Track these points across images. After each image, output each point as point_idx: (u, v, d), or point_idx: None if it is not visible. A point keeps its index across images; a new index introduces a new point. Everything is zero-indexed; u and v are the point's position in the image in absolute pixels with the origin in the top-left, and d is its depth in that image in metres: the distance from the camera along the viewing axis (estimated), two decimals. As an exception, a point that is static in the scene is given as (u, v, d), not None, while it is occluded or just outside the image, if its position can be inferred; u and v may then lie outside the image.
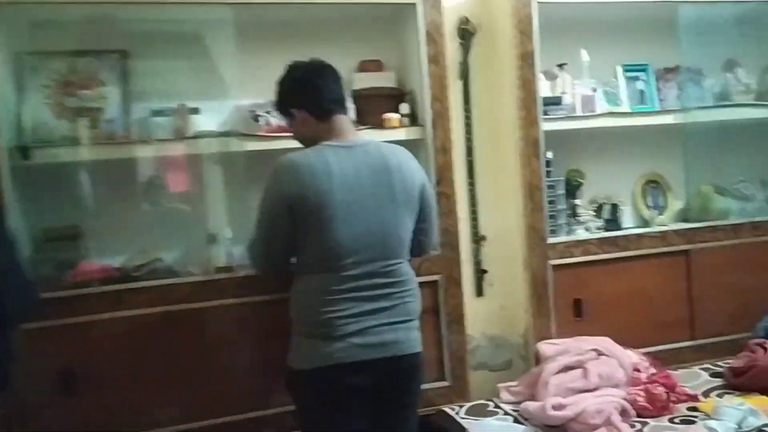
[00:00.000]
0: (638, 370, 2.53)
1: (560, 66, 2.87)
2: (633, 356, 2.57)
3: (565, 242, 2.73)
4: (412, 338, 2.03)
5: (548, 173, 2.72)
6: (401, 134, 2.55)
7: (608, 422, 2.24)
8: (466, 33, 2.75)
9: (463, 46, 2.76)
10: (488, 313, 2.86)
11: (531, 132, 2.66)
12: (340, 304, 1.92)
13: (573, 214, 2.91)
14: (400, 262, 2.02)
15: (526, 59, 2.64)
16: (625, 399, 2.37)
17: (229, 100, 2.61)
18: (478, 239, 2.82)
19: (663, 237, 2.84)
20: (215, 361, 2.36)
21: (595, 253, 2.76)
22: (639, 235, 2.83)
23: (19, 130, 2.35)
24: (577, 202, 2.93)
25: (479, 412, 2.50)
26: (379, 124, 2.55)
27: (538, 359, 2.65)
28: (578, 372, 2.43)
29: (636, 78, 3.09)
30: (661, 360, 2.68)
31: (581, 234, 2.84)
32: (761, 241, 2.95)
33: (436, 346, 2.56)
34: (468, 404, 2.57)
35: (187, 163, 2.55)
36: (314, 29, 2.60)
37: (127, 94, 2.48)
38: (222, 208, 2.60)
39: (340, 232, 1.91)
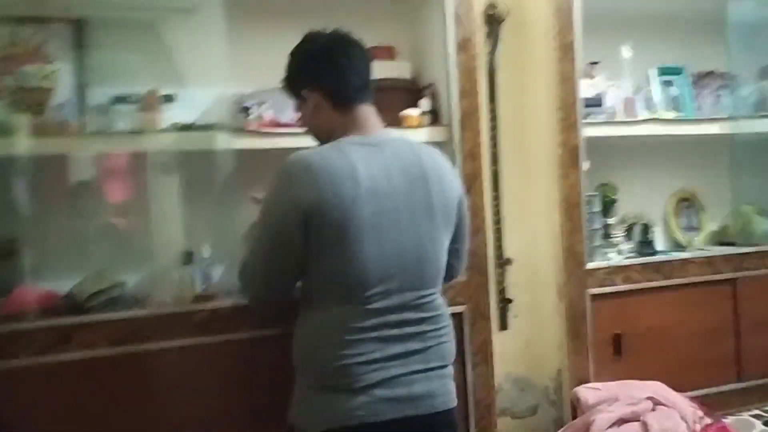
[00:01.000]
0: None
1: (592, 64, 2.48)
2: (688, 404, 2.18)
3: (605, 268, 2.33)
4: (449, 389, 1.61)
5: (582, 187, 2.31)
6: (422, 135, 2.10)
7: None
8: (492, 20, 2.33)
9: (490, 35, 2.34)
10: (512, 350, 2.42)
11: (570, 138, 2.25)
12: (362, 345, 1.49)
13: (605, 235, 2.52)
14: (435, 293, 1.61)
15: (567, 52, 2.24)
16: (689, 458, 1.98)
17: (210, 88, 2.13)
18: (503, 262, 2.39)
19: (709, 263, 2.48)
20: (192, 415, 1.84)
21: (637, 281, 2.37)
22: (683, 261, 2.45)
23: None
24: (611, 221, 2.55)
25: (513, 473, 2.07)
26: (395, 123, 2.10)
27: (576, 406, 2.23)
28: (636, 427, 2.01)
29: (670, 82, 2.75)
30: (707, 406, 2.31)
31: (615, 258, 2.45)
32: (810, 269, 2.63)
33: (459, 392, 2.10)
34: (497, 463, 2.13)
35: (157, 162, 2.04)
36: (315, 8, 2.13)
37: (83, 75, 1.97)
38: (200, 220, 2.10)
39: (367, 253, 1.48)
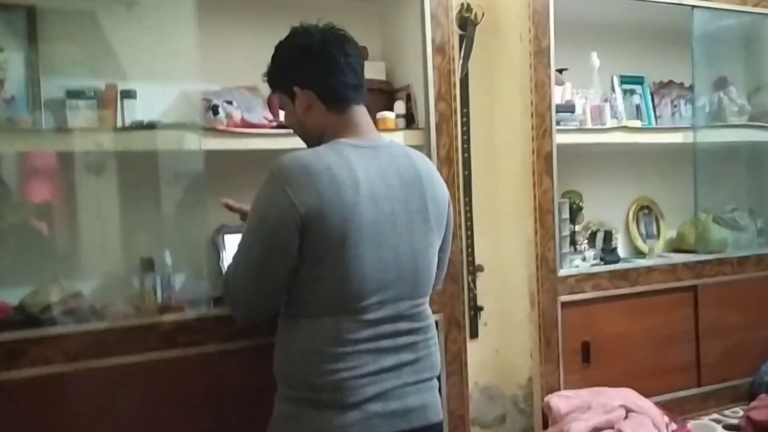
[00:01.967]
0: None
1: (559, 71, 2.48)
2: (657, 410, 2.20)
3: (575, 276, 2.32)
4: (438, 401, 1.57)
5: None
6: (398, 138, 2.03)
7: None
8: (467, 22, 2.28)
9: (463, 38, 2.29)
10: (482, 359, 2.38)
11: (544, 144, 2.23)
12: (356, 358, 1.42)
13: (572, 242, 2.52)
14: (426, 302, 1.56)
15: (542, 58, 2.22)
16: (663, 466, 1.99)
17: (174, 84, 1.99)
18: (474, 269, 2.35)
19: (671, 270, 2.51)
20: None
21: (606, 288, 2.37)
22: (648, 269, 2.47)
23: None
24: (577, 228, 2.55)
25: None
26: (370, 125, 2.02)
27: (547, 415, 2.22)
28: (611, 435, 2.01)
29: (632, 91, 2.78)
30: (669, 411, 2.33)
31: (581, 265, 2.46)
32: (763, 276, 2.70)
33: (433, 403, 2.06)
34: (470, 476, 2.08)
35: (116, 162, 1.90)
36: (286, 5, 2.03)
37: (34, 66, 1.80)
38: (161, 226, 1.96)
39: (365, 260, 1.40)
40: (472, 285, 2.35)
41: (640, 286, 2.44)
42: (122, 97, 1.88)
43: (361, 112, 1.52)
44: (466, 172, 2.32)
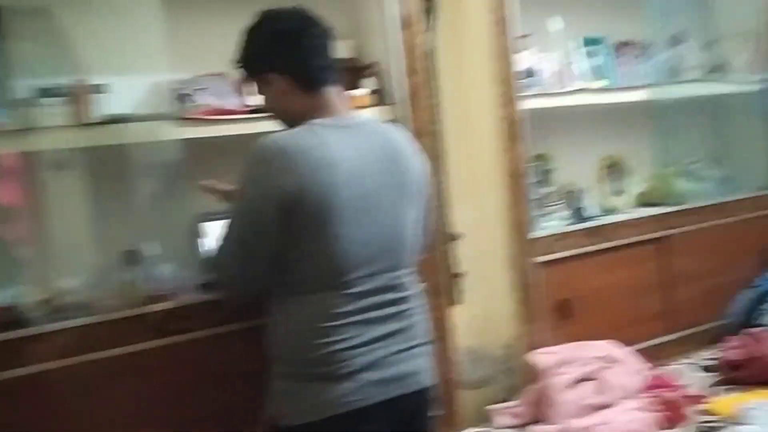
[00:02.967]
0: (637, 374, 2.28)
1: (522, 37, 2.52)
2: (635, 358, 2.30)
3: (550, 236, 2.40)
4: (430, 366, 1.62)
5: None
6: (370, 115, 2.06)
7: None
8: (430, -5, 2.31)
9: (428, 10, 2.31)
10: (465, 323, 2.44)
11: (511, 111, 2.29)
12: (346, 330, 1.46)
13: (544, 204, 2.59)
14: (410, 272, 1.60)
15: (503, 27, 2.27)
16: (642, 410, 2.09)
17: (145, 76, 2.00)
18: (449, 238, 2.40)
19: (641, 224, 2.61)
20: (158, 421, 1.75)
21: (580, 246, 2.46)
22: (617, 224, 2.57)
23: None
24: (549, 190, 2.62)
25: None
26: (343, 104, 2.05)
27: (532, 373, 2.30)
28: (592, 385, 2.11)
29: (593, 53, 2.84)
30: (645, 358, 2.44)
31: (554, 226, 2.54)
32: (725, 223, 2.82)
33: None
34: (462, 434, 2.16)
35: (93, 157, 1.90)
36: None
37: (4, 66, 1.79)
38: (142, 216, 1.98)
39: (348, 238, 1.44)
40: (451, 253, 2.40)
41: (612, 241, 2.54)
42: (93, 92, 1.88)
43: (335, 92, 1.55)
44: (440, 143, 2.36)
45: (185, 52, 2.01)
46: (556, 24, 2.53)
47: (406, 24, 2.07)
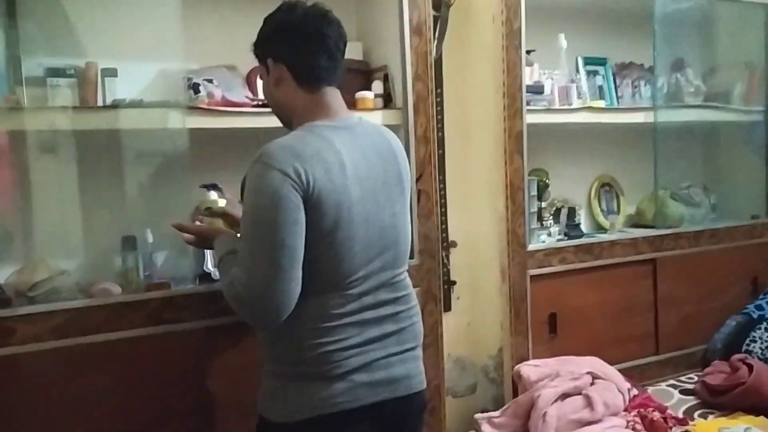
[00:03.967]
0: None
1: (528, 52, 2.55)
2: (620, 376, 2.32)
3: (544, 250, 2.42)
4: (422, 370, 1.60)
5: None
6: (376, 118, 2.08)
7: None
8: (441, 3, 2.33)
9: (438, 19, 2.34)
10: (455, 331, 2.47)
11: (515, 124, 2.31)
12: (340, 331, 1.44)
13: (538, 218, 2.62)
14: (405, 271, 1.58)
15: (513, 39, 2.29)
16: (627, 428, 2.11)
17: (155, 62, 2.00)
18: (447, 245, 2.42)
19: (633, 245, 2.64)
20: (147, 410, 1.75)
21: (572, 262, 2.48)
22: (611, 243, 2.59)
23: None
24: (543, 204, 2.65)
25: (463, 451, 2.12)
26: (349, 105, 2.05)
27: (517, 384, 2.32)
28: (579, 400, 2.12)
29: (595, 72, 2.88)
30: (630, 377, 2.47)
31: (547, 240, 2.56)
32: (716, 249, 2.86)
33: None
34: (446, 441, 2.17)
35: (98, 140, 1.90)
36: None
37: (14, 43, 1.79)
38: (143, 203, 1.98)
39: (355, 241, 1.43)
40: (445, 260, 2.42)
41: (603, 260, 2.57)
42: (103, 76, 1.88)
43: (332, 94, 1.52)
44: (441, 151, 2.38)
45: (198, 42, 2.02)
46: (563, 42, 2.56)
47: (417, 31, 2.09)
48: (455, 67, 2.42)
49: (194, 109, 1.88)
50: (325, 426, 1.44)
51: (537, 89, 2.42)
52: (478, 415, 2.25)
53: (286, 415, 1.46)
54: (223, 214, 1.69)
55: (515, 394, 2.32)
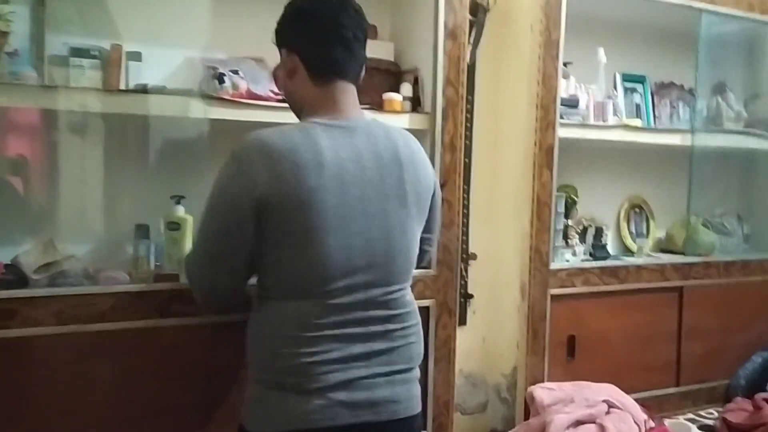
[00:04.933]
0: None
1: (564, 65, 2.47)
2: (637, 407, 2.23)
3: (566, 270, 2.34)
4: (413, 394, 1.50)
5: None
6: (403, 121, 2.02)
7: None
8: (479, 8, 2.27)
9: (474, 24, 2.28)
10: (467, 346, 2.39)
11: (547, 137, 2.24)
12: (321, 343, 1.37)
13: (564, 236, 2.53)
14: (404, 288, 1.49)
15: (550, 50, 2.22)
16: (641, 462, 2.02)
17: (180, 49, 1.95)
18: (467, 257, 2.35)
19: (661, 271, 2.54)
20: (143, 404, 1.70)
21: (596, 284, 2.39)
22: (638, 267, 2.50)
23: None
24: (570, 223, 2.56)
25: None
26: (376, 106, 2.01)
27: (529, 406, 2.24)
28: (593, 429, 2.03)
29: (633, 90, 2.79)
30: (647, 408, 2.37)
31: (571, 260, 2.48)
32: (747, 282, 2.75)
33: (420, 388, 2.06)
34: (452, 461, 2.10)
35: (118, 124, 1.87)
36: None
37: (40, 21, 1.76)
38: (159, 192, 1.93)
39: (329, 245, 1.35)
40: (464, 273, 2.35)
41: (628, 284, 2.47)
42: (128, 59, 1.84)
43: (345, 89, 1.46)
44: (467, 160, 2.31)
45: (227, 32, 1.98)
46: (602, 56, 2.48)
47: (451, 35, 2.03)
48: (489, 75, 2.36)
49: (217, 99, 1.83)
50: None
51: (572, 103, 2.34)
52: (486, 436, 2.18)
53: (260, 425, 1.41)
54: None
55: (526, 417, 2.24)
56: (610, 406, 2.13)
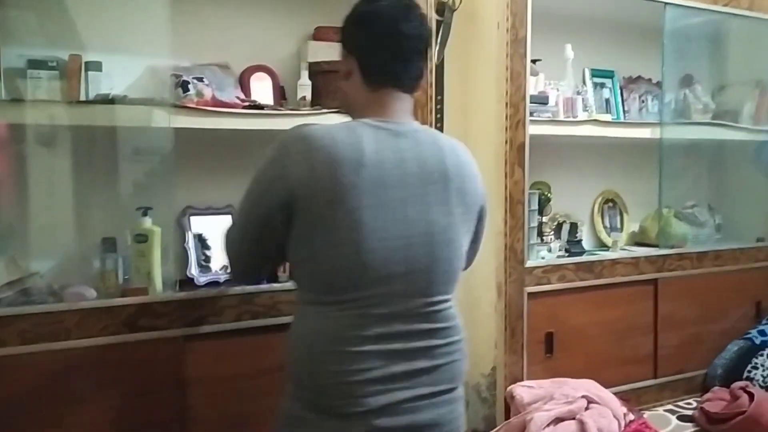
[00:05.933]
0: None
1: (533, 62, 2.47)
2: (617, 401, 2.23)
3: (542, 267, 2.33)
4: (457, 415, 1.43)
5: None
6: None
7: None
8: (445, 7, 2.25)
9: (441, 23, 2.26)
10: (446, 347, 2.37)
11: (517, 135, 2.23)
12: (362, 360, 1.30)
13: (539, 233, 2.53)
14: (447, 300, 1.43)
15: (518, 48, 2.21)
16: (622, 457, 2.02)
17: (142, 58, 1.91)
18: (442, 258, 2.33)
19: (635, 264, 2.55)
20: (115, 424, 1.66)
21: (572, 280, 2.39)
22: (612, 261, 2.50)
23: None
24: (544, 219, 2.56)
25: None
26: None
27: (509, 404, 2.23)
28: (573, 426, 2.03)
29: (602, 85, 2.80)
30: (626, 401, 2.38)
31: (547, 256, 2.48)
32: (720, 271, 2.76)
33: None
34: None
35: (78, 137, 1.82)
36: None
37: (-7, 32, 1.71)
38: (125, 204, 1.89)
39: (363, 247, 1.29)
40: (439, 273, 2.33)
41: (603, 279, 2.47)
42: (87, 69, 1.80)
43: (397, 96, 1.41)
44: (438, 160, 2.29)
45: (188, 38, 1.94)
46: (569, 52, 2.48)
47: (418, 34, 2.01)
48: (457, 74, 2.34)
49: (182, 107, 1.79)
50: None
51: (541, 100, 2.33)
52: (467, 437, 2.16)
53: None
54: None
55: (507, 416, 2.23)
56: (590, 401, 2.13)
